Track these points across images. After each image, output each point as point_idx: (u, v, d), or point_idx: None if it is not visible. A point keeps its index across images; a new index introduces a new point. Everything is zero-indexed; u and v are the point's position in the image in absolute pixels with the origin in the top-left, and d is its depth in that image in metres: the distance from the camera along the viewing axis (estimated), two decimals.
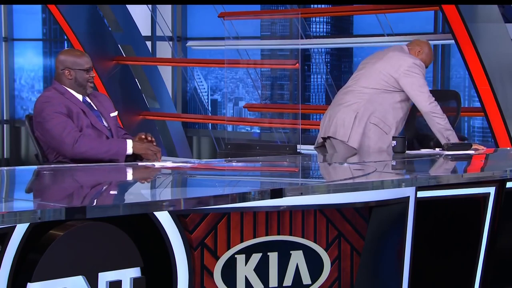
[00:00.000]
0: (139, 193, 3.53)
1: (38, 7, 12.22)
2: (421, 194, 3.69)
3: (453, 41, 6.71)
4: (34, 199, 3.23)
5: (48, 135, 4.45)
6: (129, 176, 4.04)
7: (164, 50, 10.54)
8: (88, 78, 4.66)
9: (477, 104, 6.97)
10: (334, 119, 5.33)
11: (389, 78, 5.23)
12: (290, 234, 3.35)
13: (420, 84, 5.18)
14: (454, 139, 5.15)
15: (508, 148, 6.45)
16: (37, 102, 4.57)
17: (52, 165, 4.25)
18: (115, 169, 4.18)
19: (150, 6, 10.30)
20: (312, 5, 10.23)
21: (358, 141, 5.22)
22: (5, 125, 12.70)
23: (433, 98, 5.17)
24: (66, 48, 4.42)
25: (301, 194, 3.32)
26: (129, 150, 4.46)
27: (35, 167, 4.10)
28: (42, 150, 4.55)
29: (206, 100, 11.12)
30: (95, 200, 3.27)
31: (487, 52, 6.55)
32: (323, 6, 10.31)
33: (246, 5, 9.63)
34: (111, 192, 3.53)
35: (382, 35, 8.45)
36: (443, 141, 5.14)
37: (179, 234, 3.06)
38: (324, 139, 5.44)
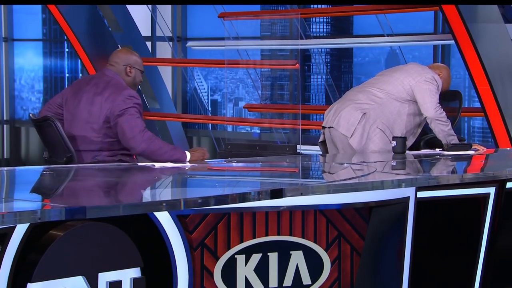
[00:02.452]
0: (139, 194, 3.53)
1: (38, 7, 12.22)
2: (421, 194, 3.69)
3: (453, 41, 6.72)
4: (34, 199, 3.23)
5: (126, 129, 4.39)
6: (129, 176, 4.04)
7: (164, 50, 10.55)
8: (141, 79, 4.74)
9: (477, 104, 6.97)
10: (341, 112, 5.32)
11: (405, 86, 5.26)
12: (290, 235, 3.35)
13: (432, 93, 5.21)
14: (455, 139, 5.18)
15: (508, 149, 6.45)
16: (123, 96, 4.47)
17: (52, 166, 4.24)
18: (115, 170, 4.18)
19: (150, 6, 10.30)
20: (312, 6, 10.23)
21: (360, 142, 5.21)
22: (5, 125, 12.70)
23: (440, 107, 5.20)
24: (122, 47, 4.39)
25: (301, 194, 3.32)
26: (188, 158, 4.46)
27: (35, 167, 4.10)
28: (64, 149, 4.47)
29: (206, 101, 11.13)
30: (95, 201, 3.27)
31: (487, 52, 6.55)
32: (323, 6, 10.32)
33: (246, 5, 9.63)
34: (111, 192, 3.53)
35: (382, 35, 8.46)
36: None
37: (179, 234, 3.06)
38: (324, 128, 5.44)
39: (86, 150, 4.53)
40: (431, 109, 5.19)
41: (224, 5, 9.52)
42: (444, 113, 5.21)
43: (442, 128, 5.19)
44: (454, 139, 5.19)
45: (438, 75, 5.36)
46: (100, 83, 4.59)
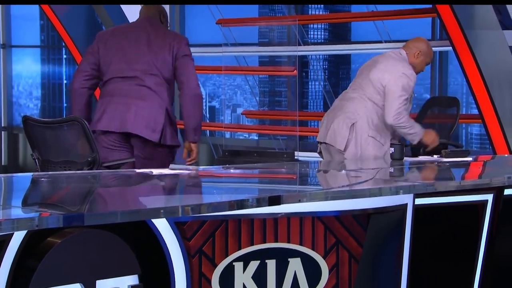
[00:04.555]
0: (137, 200, 3.53)
1: (36, 13, 12.22)
2: (419, 201, 3.69)
3: (450, 47, 6.73)
4: (32, 206, 3.23)
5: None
6: (127, 183, 4.04)
7: None
8: None
9: (475, 111, 6.98)
10: (331, 125, 5.34)
11: (380, 92, 5.25)
12: (288, 242, 3.35)
13: (396, 95, 5.19)
14: (417, 138, 5.21)
15: (506, 155, 6.46)
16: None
17: (50, 172, 4.24)
18: (113, 176, 4.17)
19: None
20: (309, 12, 10.24)
21: (355, 154, 5.24)
22: (3, 132, 12.69)
23: (402, 113, 5.16)
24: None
25: (299, 201, 3.32)
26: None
27: (32, 174, 4.09)
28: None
29: (204, 107, 11.12)
30: (93, 207, 3.27)
31: (484, 59, 6.56)
32: (321, 12, 10.33)
33: (244, 6, 9.60)
34: (109, 199, 3.53)
35: (380, 41, 8.47)
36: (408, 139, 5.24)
37: (177, 241, 3.06)
38: (320, 142, 5.46)
39: None
40: (391, 116, 5.19)
41: (222, 11, 9.53)
42: (404, 118, 5.18)
43: (402, 131, 5.24)
44: (415, 136, 5.22)
45: (418, 54, 5.35)
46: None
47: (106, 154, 5.01)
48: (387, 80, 5.22)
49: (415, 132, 5.25)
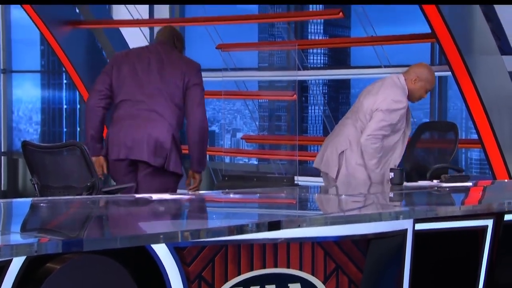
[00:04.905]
0: (136, 226, 3.52)
1: (37, 38, 12.26)
2: (419, 226, 3.69)
3: (450, 73, 6.74)
4: (31, 232, 3.22)
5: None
6: (126, 208, 4.04)
7: None
8: None
9: (475, 136, 6.98)
10: (325, 153, 5.38)
11: (370, 114, 5.24)
12: (288, 267, 3.34)
13: (377, 119, 5.16)
14: (375, 176, 5.13)
15: (506, 180, 6.45)
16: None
17: (49, 197, 4.24)
18: (112, 201, 4.17)
19: (148, 37, 10.34)
20: (309, 37, 10.28)
21: (345, 182, 5.25)
22: (2, 157, 12.69)
23: (378, 139, 5.13)
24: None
25: (299, 226, 3.32)
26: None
27: (32, 199, 4.09)
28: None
29: None
30: (92, 233, 3.26)
31: (484, 84, 6.58)
32: (320, 37, 10.37)
33: (243, 23, 9.59)
34: (108, 224, 3.52)
35: (380, 66, 8.49)
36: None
37: (176, 267, 3.05)
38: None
39: None
40: (365, 135, 5.16)
41: (221, 36, 9.56)
42: (375, 145, 5.14)
43: (366, 157, 5.15)
44: (373, 173, 5.13)
45: (415, 80, 5.32)
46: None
47: (122, 179, 5.16)
48: (376, 104, 5.21)
49: (375, 170, 5.16)
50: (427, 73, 5.36)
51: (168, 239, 2.97)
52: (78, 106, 12.40)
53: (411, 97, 5.35)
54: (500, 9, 6.72)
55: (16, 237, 3.01)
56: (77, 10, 9.83)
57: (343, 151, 5.28)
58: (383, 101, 5.19)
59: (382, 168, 5.19)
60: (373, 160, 5.15)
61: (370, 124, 5.17)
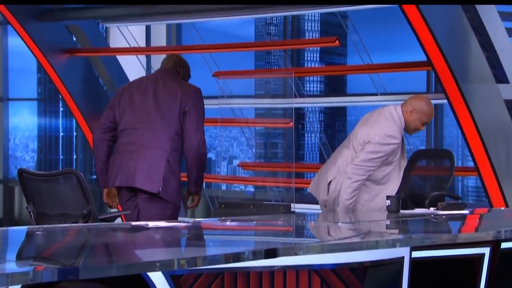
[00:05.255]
0: (132, 253, 3.51)
1: (34, 67, 12.30)
2: (416, 254, 3.68)
3: (445, 100, 6.76)
4: (26, 260, 3.20)
5: None
6: (122, 236, 4.02)
7: None
8: None
9: (471, 164, 6.99)
10: (319, 179, 5.39)
11: (363, 144, 5.23)
12: None
13: (367, 150, 5.15)
14: (341, 210, 5.11)
15: (502, 208, 6.45)
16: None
17: (45, 225, 4.22)
18: (108, 229, 4.16)
19: (145, 64, 10.38)
20: (305, 64, 10.32)
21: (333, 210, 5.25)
22: None
23: (363, 171, 5.13)
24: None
25: (295, 254, 3.30)
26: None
27: (27, 227, 4.07)
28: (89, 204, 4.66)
29: None
30: (88, 261, 3.25)
31: (479, 112, 6.59)
32: (316, 65, 10.41)
33: (240, 51, 9.62)
34: (104, 252, 3.51)
35: (376, 94, 8.52)
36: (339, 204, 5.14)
37: None
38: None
39: None
40: (352, 164, 5.15)
41: (218, 63, 9.60)
42: (359, 177, 5.11)
43: (343, 185, 5.15)
44: (340, 208, 5.11)
45: (411, 111, 5.30)
46: None
47: (126, 207, 5.23)
48: (369, 136, 5.20)
49: (349, 199, 5.14)
50: (424, 105, 5.32)
51: (164, 267, 2.96)
52: (75, 134, 12.41)
53: (407, 129, 5.34)
54: (495, 38, 6.76)
55: (11, 266, 2.99)
56: (74, 38, 9.87)
57: (331, 181, 5.28)
58: (376, 134, 5.18)
59: (353, 202, 5.16)
60: (349, 189, 5.12)
61: (360, 154, 5.17)
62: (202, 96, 5.36)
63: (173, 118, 5.21)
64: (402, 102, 5.41)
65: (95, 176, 11.73)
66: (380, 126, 5.21)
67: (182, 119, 5.22)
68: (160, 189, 5.10)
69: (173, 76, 5.39)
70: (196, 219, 5.09)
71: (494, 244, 3.92)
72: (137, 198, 5.18)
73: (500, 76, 6.78)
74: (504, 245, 3.95)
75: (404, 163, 5.32)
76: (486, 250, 3.90)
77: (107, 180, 5.28)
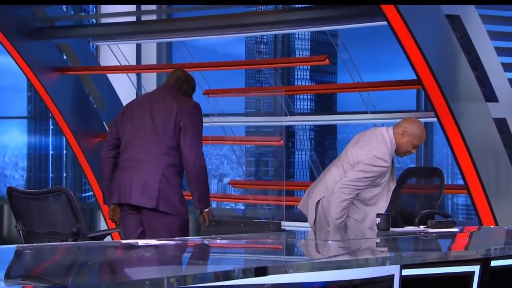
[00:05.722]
0: (122, 272, 3.50)
1: (24, 85, 12.29)
2: (406, 272, 3.68)
3: (435, 119, 6.78)
4: (15, 279, 3.19)
5: None
6: (112, 254, 4.01)
7: None
8: None
9: (461, 182, 7.00)
10: (308, 197, 5.39)
11: (353, 165, 5.24)
12: None
13: (356, 169, 5.16)
14: (332, 230, 5.11)
15: (492, 226, 6.46)
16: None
17: (34, 244, 4.21)
18: (98, 247, 4.14)
19: (135, 83, 10.38)
20: (296, 83, 10.35)
21: (323, 228, 5.25)
22: None
23: (351, 190, 5.14)
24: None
25: (286, 272, 3.30)
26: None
27: (16, 246, 4.05)
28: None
29: None
30: (77, 279, 3.23)
31: (469, 131, 6.62)
32: (307, 83, 10.44)
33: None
34: (93, 270, 3.49)
35: (366, 112, 8.54)
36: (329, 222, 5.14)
37: None
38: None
39: None
40: (340, 183, 5.16)
41: (208, 81, 9.61)
42: (347, 197, 5.11)
43: (332, 204, 5.15)
44: (331, 227, 5.10)
45: (402, 134, 5.32)
46: None
47: (129, 224, 5.26)
48: (359, 157, 5.21)
49: (339, 218, 5.14)
50: (415, 128, 5.33)
51: (154, 285, 2.95)
52: (65, 152, 12.38)
53: (397, 151, 5.35)
54: (484, 57, 6.80)
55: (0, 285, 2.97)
56: (64, 57, 9.87)
57: (319, 201, 5.29)
58: (366, 155, 5.19)
59: (343, 221, 5.16)
60: (338, 209, 5.12)
61: (349, 174, 5.18)
62: (199, 111, 5.36)
63: (168, 133, 5.22)
64: (394, 124, 5.42)
65: (84, 194, 11.71)
66: (371, 148, 5.22)
67: (178, 135, 5.23)
68: (155, 204, 5.09)
69: (172, 91, 5.40)
70: (186, 237, 5.07)
71: (484, 262, 3.93)
72: (141, 213, 5.19)
73: (489, 95, 6.81)
74: (494, 263, 3.95)
75: (393, 185, 5.32)
76: (476, 268, 3.91)
77: (111, 196, 5.29)
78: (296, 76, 10.47)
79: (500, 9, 7.41)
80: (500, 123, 6.78)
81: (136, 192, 5.11)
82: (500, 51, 7.04)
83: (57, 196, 4.61)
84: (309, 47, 10.53)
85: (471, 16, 6.77)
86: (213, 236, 4.83)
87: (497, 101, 6.80)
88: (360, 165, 5.17)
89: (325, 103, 10.62)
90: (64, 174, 12.58)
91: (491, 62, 6.84)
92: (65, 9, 10.19)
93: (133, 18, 10.08)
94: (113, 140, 5.39)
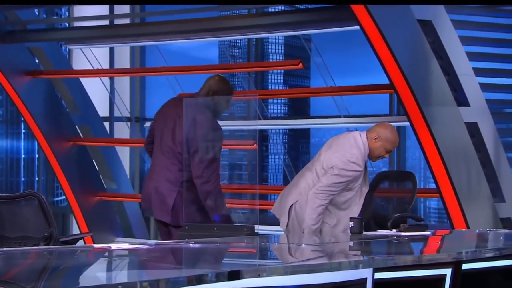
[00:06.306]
0: (94, 276, 3.48)
1: None
2: (379, 275, 3.69)
3: (408, 123, 6.82)
4: None
5: None
6: (84, 258, 3.99)
7: (122, 130, 10.55)
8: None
9: (433, 185, 7.04)
10: (281, 201, 5.40)
11: (326, 169, 5.25)
12: None
13: (330, 174, 5.18)
14: (307, 235, 5.13)
15: (464, 230, 6.50)
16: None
17: (5, 248, 4.17)
18: (70, 252, 4.12)
19: (108, 87, 10.34)
20: (270, 87, 10.36)
21: (297, 232, 5.26)
22: None
23: (326, 195, 5.16)
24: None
25: (259, 276, 3.30)
26: None
27: None
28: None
29: None
30: (49, 284, 3.21)
31: (441, 135, 6.66)
32: (280, 88, 10.45)
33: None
34: (65, 275, 3.47)
35: (339, 116, 8.57)
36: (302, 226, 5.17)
37: None
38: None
39: None
40: (314, 188, 5.18)
41: (182, 85, 9.60)
42: (322, 202, 5.14)
43: (307, 210, 5.17)
44: (307, 233, 5.13)
45: (375, 138, 5.35)
46: None
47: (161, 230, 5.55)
48: (332, 161, 5.23)
49: (315, 224, 5.15)
50: (388, 133, 5.37)
51: None
52: (37, 156, 12.30)
53: (370, 156, 5.38)
54: (456, 62, 6.84)
55: None
56: (37, 60, 9.81)
57: (293, 205, 5.30)
58: (339, 159, 5.21)
59: (319, 227, 5.18)
60: (313, 215, 5.14)
61: (322, 179, 5.19)
62: (215, 135, 5.39)
63: (182, 154, 5.31)
64: (367, 128, 5.45)
65: (57, 198, 11.63)
66: (344, 152, 5.24)
67: (191, 155, 5.29)
68: (171, 219, 5.22)
69: (199, 105, 5.40)
70: (159, 241, 5.07)
71: (456, 265, 3.96)
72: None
73: (461, 99, 6.85)
74: (465, 266, 3.98)
75: (365, 190, 5.35)
76: (447, 271, 3.93)
77: None
78: (269, 80, 10.48)
79: (471, 15, 7.47)
80: (472, 127, 6.83)
81: (156, 208, 5.41)
82: (472, 56, 7.10)
83: (29, 200, 4.58)
84: (282, 51, 10.55)
85: (443, 21, 6.82)
86: (187, 240, 4.82)
87: (468, 105, 6.85)
88: (334, 170, 5.19)
89: (298, 107, 10.64)
90: (36, 178, 12.50)
91: (463, 67, 6.89)
92: (37, 13, 10.12)
93: (106, 22, 10.04)
94: (149, 139, 5.67)
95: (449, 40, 6.82)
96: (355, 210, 5.30)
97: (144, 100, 10.65)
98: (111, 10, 10.04)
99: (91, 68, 9.90)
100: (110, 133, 10.42)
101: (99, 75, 9.97)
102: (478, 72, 7.09)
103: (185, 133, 5.33)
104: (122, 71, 10.22)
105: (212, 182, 5.34)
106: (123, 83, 10.55)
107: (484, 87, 7.06)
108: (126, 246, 4.20)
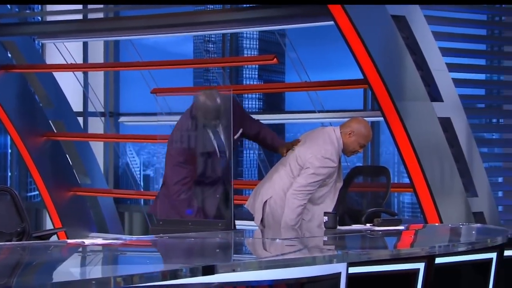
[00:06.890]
0: (68, 272, 3.46)
1: None
2: (353, 270, 3.71)
3: (382, 118, 6.85)
4: None
5: None
6: (58, 254, 3.97)
7: (96, 125, 10.50)
8: None
9: (406, 180, 7.08)
10: (255, 196, 5.41)
11: (301, 165, 5.27)
12: None
13: (306, 173, 5.21)
14: (286, 231, 5.16)
15: (437, 224, 6.55)
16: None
17: None
18: (44, 247, 4.09)
19: (82, 81, 10.28)
20: (244, 82, 10.36)
21: (273, 227, 5.26)
22: None
23: (304, 195, 5.18)
24: None
25: (233, 270, 3.30)
26: None
27: None
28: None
29: (139, 176, 11.06)
30: (22, 280, 3.20)
31: (415, 130, 6.69)
32: (255, 83, 10.45)
33: (181, 68, 9.62)
34: (39, 270, 3.45)
35: (314, 111, 8.58)
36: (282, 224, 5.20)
37: None
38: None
39: None
40: (291, 189, 5.20)
41: (157, 80, 9.57)
42: (300, 203, 5.17)
43: (286, 211, 5.19)
44: (287, 229, 5.16)
45: (350, 133, 5.37)
46: None
47: None
48: (308, 160, 5.24)
49: (295, 224, 5.17)
50: (362, 128, 5.39)
51: (100, 285, 2.93)
52: (9, 151, 12.20)
53: (345, 151, 5.40)
54: (429, 57, 6.88)
55: None
56: (9, 54, 9.73)
57: (267, 200, 5.31)
58: (314, 157, 5.22)
59: (299, 224, 5.20)
60: (293, 216, 5.16)
61: (299, 179, 5.21)
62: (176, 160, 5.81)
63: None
64: (342, 123, 5.47)
65: (30, 194, 11.55)
66: (318, 148, 5.25)
67: None
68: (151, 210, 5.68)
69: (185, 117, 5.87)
70: (134, 236, 5.05)
71: (429, 259, 3.99)
72: None
73: (434, 95, 6.89)
74: (438, 260, 4.01)
75: (339, 185, 5.37)
76: (421, 265, 3.96)
77: None
78: (244, 75, 10.48)
79: (444, 10, 7.52)
80: (445, 122, 6.88)
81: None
82: (445, 52, 7.14)
83: (1, 195, 4.55)
84: (257, 46, 10.55)
85: (417, 17, 6.85)
86: (161, 235, 4.81)
87: (441, 100, 6.89)
88: (309, 170, 5.20)
89: (273, 102, 10.65)
90: (9, 174, 12.40)
91: (436, 62, 6.93)
92: (9, 7, 10.04)
93: (79, 16, 9.97)
94: None
95: (422, 36, 6.86)
96: (330, 205, 5.32)
97: (118, 95, 10.60)
98: (85, 4, 9.98)
99: (64, 62, 9.84)
100: (84, 128, 10.36)
101: (72, 69, 9.91)
102: (451, 67, 7.13)
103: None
104: (96, 66, 10.16)
105: (179, 194, 5.57)
106: (97, 78, 10.49)
107: (457, 83, 7.11)
108: (100, 241, 4.19)
